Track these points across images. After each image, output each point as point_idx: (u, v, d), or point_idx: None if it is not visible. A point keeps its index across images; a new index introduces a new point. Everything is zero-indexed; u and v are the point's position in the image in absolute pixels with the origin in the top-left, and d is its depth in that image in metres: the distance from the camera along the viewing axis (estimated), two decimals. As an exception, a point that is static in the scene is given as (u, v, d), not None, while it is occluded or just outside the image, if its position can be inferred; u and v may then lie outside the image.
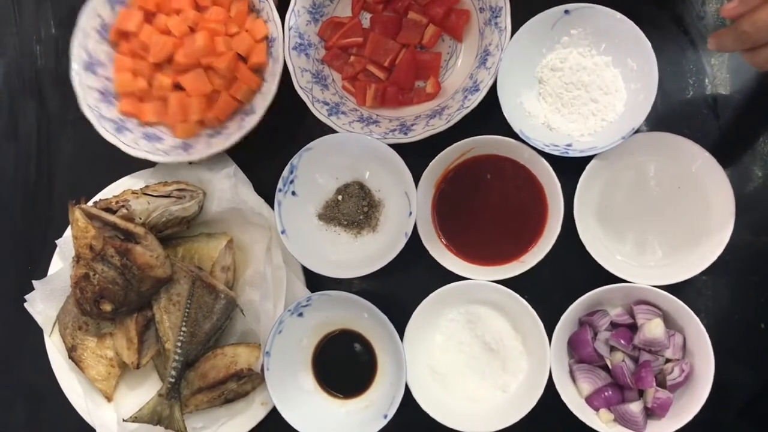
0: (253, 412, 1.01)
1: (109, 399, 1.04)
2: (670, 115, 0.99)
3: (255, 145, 1.04)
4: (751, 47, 0.79)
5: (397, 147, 0.97)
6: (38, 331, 1.07)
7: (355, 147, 0.99)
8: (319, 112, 1.03)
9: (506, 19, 0.98)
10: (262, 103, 1.02)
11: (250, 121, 1.01)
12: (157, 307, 0.99)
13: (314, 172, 1.02)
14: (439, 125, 0.98)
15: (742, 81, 0.98)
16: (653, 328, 0.90)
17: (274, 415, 0.98)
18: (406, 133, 1.00)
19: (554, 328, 0.93)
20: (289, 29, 1.05)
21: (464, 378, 0.98)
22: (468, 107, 0.97)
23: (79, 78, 1.06)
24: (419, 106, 1.05)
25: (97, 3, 1.07)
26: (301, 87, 1.04)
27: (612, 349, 0.94)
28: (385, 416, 0.94)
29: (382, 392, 0.98)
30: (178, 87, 1.06)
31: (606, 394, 0.92)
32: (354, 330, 1.01)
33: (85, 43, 1.06)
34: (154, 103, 1.07)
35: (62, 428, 1.09)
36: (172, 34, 1.05)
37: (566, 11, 0.95)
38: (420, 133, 0.99)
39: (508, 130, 0.96)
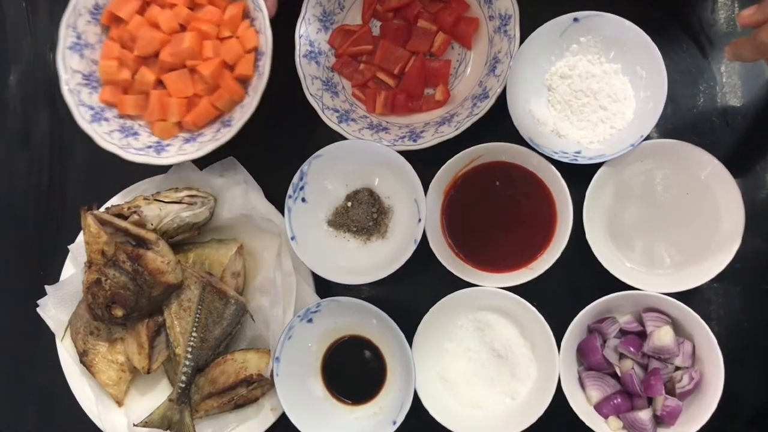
0: (263, 417, 1.02)
1: (119, 404, 1.05)
2: (679, 122, 0.99)
3: (265, 151, 1.05)
4: None
5: (406, 154, 0.98)
6: (50, 336, 1.08)
7: (364, 154, 1.00)
8: (329, 120, 1.03)
9: (515, 27, 0.98)
10: (240, 116, 0.98)
11: (226, 134, 0.98)
12: (168, 312, 1.00)
13: (324, 178, 1.02)
14: (449, 132, 0.98)
15: (753, 89, 0.98)
16: (663, 336, 0.90)
17: (283, 420, 0.99)
18: (415, 140, 1.00)
19: (563, 335, 0.92)
20: (300, 37, 1.06)
21: (473, 385, 0.98)
22: (477, 114, 0.98)
23: (64, 58, 1.03)
24: (428, 113, 1.05)
25: None
26: (311, 94, 1.04)
27: (621, 356, 0.93)
28: (394, 422, 0.94)
29: (391, 398, 0.98)
30: (161, 84, 1.03)
31: (615, 401, 0.92)
32: (363, 336, 1.01)
33: (76, 22, 1.03)
34: (136, 97, 1.04)
35: (73, 432, 1.10)
36: (161, 30, 1.01)
37: (575, 19, 0.96)
38: (429, 140, 0.99)
39: (517, 137, 0.96)
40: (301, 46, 1.06)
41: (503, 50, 1.00)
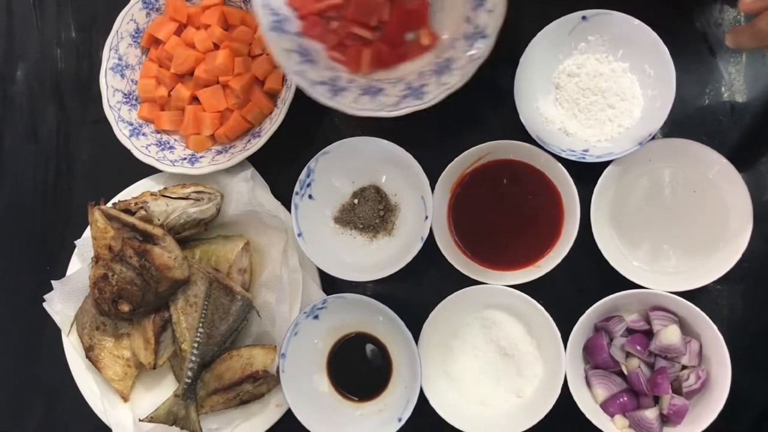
0: (268, 413, 1.02)
1: (125, 399, 1.05)
2: (687, 121, 0.99)
3: (272, 148, 1.05)
4: None
5: (414, 142, 0.96)
6: (56, 331, 1.08)
7: (371, 151, 1.00)
8: (322, 96, 0.92)
9: None
10: (269, 127, 1.03)
11: (255, 144, 1.03)
12: (174, 308, 1.00)
13: (331, 175, 1.02)
14: (453, 82, 0.89)
15: (760, 88, 0.98)
16: (669, 335, 0.90)
17: (288, 417, 0.99)
18: (420, 98, 0.90)
19: (570, 333, 0.92)
20: (264, 7, 0.93)
21: (479, 382, 0.98)
22: (479, 57, 0.88)
23: (106, 78, 1.09)
24: (418, 60, 0.96)
25: (135, 8, 1.10)
26: (294, 71, 0.93)
27: (628, 355, 0.93)
28: (400, 419, 0.94)
29: (396, 396, 0.98)
30: (196, 100, 1.09)
31: (621, 400, 0.92)
32: (369, 333, 1.01)
33: (117, 45, 1.10)
34: (172, 113, 1.10)
35: (78, 427, 1.10)
36: (196, 49, 1.08)
37: (584, 17, 0.96)
38: (435, 95, 0.89)
39: (524, 135, 0.96)
40: (266, 18, 0.92)
41: None
